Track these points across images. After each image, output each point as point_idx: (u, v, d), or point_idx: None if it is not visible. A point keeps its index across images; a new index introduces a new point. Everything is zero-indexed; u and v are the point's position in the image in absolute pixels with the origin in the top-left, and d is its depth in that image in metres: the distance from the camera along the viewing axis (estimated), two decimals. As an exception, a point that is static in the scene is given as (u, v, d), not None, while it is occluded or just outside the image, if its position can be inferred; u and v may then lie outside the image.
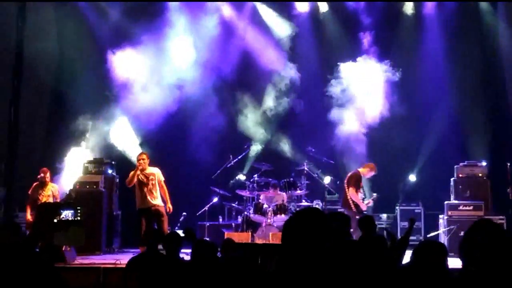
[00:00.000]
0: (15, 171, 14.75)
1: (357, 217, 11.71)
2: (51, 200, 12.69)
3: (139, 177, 12.05)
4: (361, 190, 12.55)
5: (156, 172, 12.19)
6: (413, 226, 8.57)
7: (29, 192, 12.83)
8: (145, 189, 12.02)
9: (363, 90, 14.93)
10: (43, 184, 12.84)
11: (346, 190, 12.46)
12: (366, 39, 15.34)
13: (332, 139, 14.94)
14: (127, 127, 15.03)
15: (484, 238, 3.57)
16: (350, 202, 12.27)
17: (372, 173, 12.79)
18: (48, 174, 12.97)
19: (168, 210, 12.19)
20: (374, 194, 12.96)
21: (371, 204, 12.85)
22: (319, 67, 16.03)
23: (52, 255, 10.06)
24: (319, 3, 16.36)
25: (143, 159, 12.12)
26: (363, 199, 12.45)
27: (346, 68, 15.01)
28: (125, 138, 15.01)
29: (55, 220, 11.08)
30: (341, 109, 14.93)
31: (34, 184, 12.90)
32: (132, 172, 12.11)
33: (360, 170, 12.65)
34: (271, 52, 15.91)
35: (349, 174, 12.72)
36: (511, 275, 3.48)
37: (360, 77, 14.96)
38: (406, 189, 15.55)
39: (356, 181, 12.39)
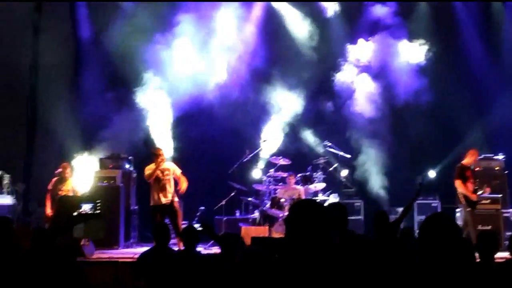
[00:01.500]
0: (33, 167, 14.85)
1: (468, 209, 11.65)
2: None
3: (156, 172, 11.99)
4: (472, 181, 11.97)
5: (171, 167, 12.13)
6: (420, 190, 8.60)
7: (49, 187, 12.79)
8: (160, 185, 11.94)
9: (382, 73, 15.14)
10: (63, 179, 12.81)
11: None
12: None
13: (348, 130, 15.00)
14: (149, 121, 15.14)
15: (438, 230, 3.66)
16: (460, 195, 11.92)
17: (475, 158, 12.22)
18: (68, 169, 12.95)
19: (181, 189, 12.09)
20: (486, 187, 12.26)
21: (486, 194, 12.22)
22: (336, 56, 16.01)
23: (72, 249, 10.13)
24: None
25: (162, 155, 12.05)
26: (475, 190, 11.95)
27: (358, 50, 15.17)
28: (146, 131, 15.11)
29: (75, 214, 11.15)
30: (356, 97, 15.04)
31: (54, 179, 12.86)
32: (152, 168, 11.98)
33: (464, 161, 12.16)
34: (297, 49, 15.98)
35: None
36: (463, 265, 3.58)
37: (377, 57, 15.18)
38: (423, 183, 15.47)
39: (459, 173, 11.95)
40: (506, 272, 5.30)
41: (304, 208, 3.38)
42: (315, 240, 3.28)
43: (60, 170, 12.77)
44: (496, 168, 13.64)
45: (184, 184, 12.03)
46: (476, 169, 13.63)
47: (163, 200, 11.92)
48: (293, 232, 3.35)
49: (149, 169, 12.06)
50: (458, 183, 11.88)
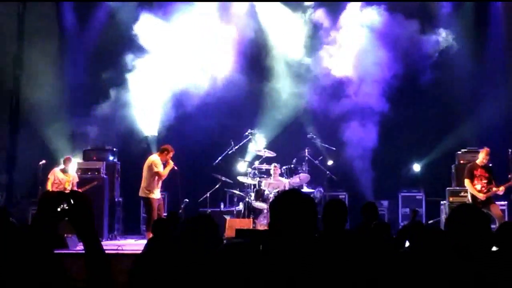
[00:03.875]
0: (16, 158, 14.76)
1: None
2: (69, 186, 12.65)
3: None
4: (480, 180, 11.98)
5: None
6: (415, 217, 8.57)
7: (49, 176, 12.79)
8: (160, 180, 12.34)
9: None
10: (65, 170, 12.87)
11: None
12: None
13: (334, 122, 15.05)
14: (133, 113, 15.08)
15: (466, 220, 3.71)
16: (469, 194, 12.07)
17: (484, 156, 12.15)
18: (71, 162, 13.01)
19: None
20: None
21: (500, 192, 12.05)
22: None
23: (53, 241, 10.04)
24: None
25: (172, 151, 12.40)
26: (489, 189, 11.91)
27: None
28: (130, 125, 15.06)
29: (58, 209, 11.05)
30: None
31: (56, 168, 12.97)
32: (168, 167, 12.26)
33: (477, 160, 12.27)
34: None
35: None
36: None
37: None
38: (407, 175, 15.53)
39: (468, 172, 12.15)
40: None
41: (290, 198, 3.35)
42: (300, 231, 3.24)
43: (64, 161, 12.84)
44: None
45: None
46: (461, 162, 13.76)
47: (159, 195, 12.36)
48: (277, 222, 3.31)
49: (160, 164, 12.26)
50: (466, 182, 12.12)
